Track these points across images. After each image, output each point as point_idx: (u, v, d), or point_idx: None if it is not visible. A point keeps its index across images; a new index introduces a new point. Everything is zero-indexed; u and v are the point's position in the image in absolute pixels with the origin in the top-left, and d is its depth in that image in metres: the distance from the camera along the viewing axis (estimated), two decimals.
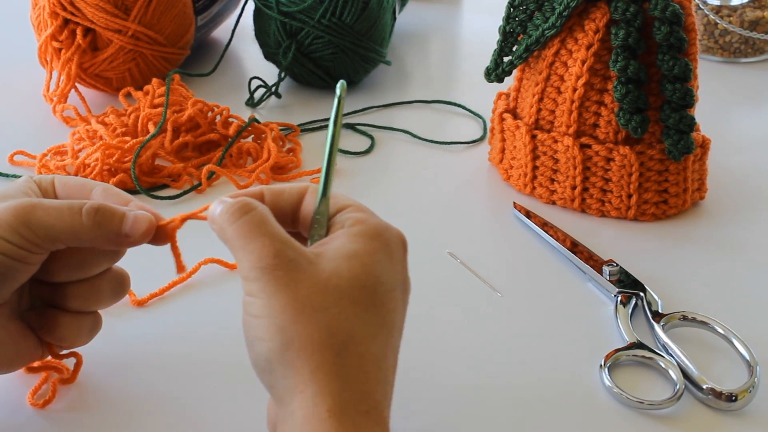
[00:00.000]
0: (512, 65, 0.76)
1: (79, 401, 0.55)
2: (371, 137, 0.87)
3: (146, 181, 0.78)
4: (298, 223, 0.50)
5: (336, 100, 0.49)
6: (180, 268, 0.53)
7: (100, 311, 0.55)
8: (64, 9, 0.88)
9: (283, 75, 0.93)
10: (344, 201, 0.49)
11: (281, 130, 0.86)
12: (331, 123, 0.49)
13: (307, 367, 0.42)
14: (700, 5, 0.99)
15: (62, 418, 0.54)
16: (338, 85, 0.49)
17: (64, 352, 0.55)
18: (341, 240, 0.46)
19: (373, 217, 0.48)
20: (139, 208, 0.52)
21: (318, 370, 0.42)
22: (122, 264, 0.55)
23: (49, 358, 0.55)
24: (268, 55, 0.96)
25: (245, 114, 0.89)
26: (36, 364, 0.55)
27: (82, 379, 0.56)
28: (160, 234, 0.51)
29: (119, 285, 0.55)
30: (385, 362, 0.45)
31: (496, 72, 0.77)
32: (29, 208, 0.48)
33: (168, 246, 0.52)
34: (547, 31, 0.72)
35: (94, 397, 0.56)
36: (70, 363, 0.56)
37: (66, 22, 0.89)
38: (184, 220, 0.51)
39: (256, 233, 0.45)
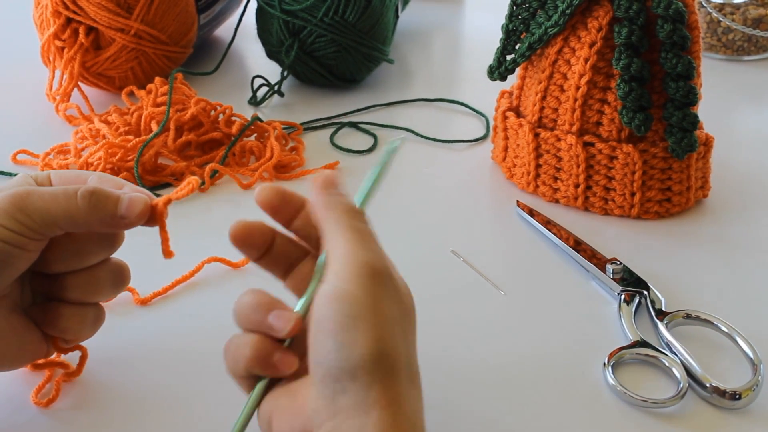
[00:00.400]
0: (515, 63, 0.76)
1: (83, 400, 0.55)
2: (374, 136, 0.87)
3: (149, 179, 0.78)
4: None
5: (388, 153, 0.49)
6: (167, 252, 0.52)
7: (103, 306, 0.55)
8: (67, 8, 0.88)
9: (285, 73, 0.93)
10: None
11: (284, 128, 0.86)
12: (375, 173, 0.49)
13: (395, 385, 0.42)
14: (703, 3, 0.99)
15: (66, 416, 0.54)
16: (396, 142, 0.49)
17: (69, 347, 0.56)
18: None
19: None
20: (133, 191, 0.52)
21: (403, 392, 0.42)
22: (125, 262, 0.55)
23: (55, 355, 0.55)
24: (271, 54, 0.96)
25: (248, 113, 0.89)
26: (41, 361, 0.55)
27: (86, 378, 0.56)
28: (153, 214, 0.51)
29: (119, 276, 0.54)
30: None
31: (499, 70, 0.77)
32: (24, 194, 0.48)
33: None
34: (550, 29, 0.72)
35: (98, 396, 0.56)
36: (74, 360, 0.56)
37: (69, 21, 0.89)
38: (167, 202, 0.51)
39: (375, 239, 0.46)
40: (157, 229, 0.52)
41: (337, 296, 0.42)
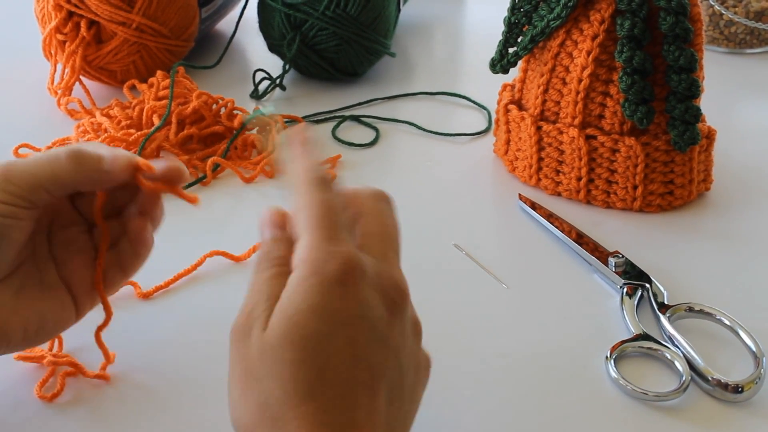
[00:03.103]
0: (517, 56, 0.76)
1: (85, 393, 0.55)
2: (376, 129, 0.87)
3: None
4: None
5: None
6: (191, 199, 0.53)
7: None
8: (69, 1, 0.88)
9: (287, 67, 0.93)
10: (299, 229, 0.44)
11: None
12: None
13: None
14: None
15: (68, 410, 0.54)
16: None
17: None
18: (283, 294, 0.43)
19: (314, 246, 0.42)
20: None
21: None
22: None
23: (59, 352, 0.56)
24: (273, 47, 0.96)
25: (250, 106, 0.89)
26: (50, 359, 0.56)
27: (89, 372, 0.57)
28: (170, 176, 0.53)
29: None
30: (342, 412, 0.40)
31: (501, 63, 0.77)
32: (6, 164, 0.49)
33: (171, 243, 0.53)
34: (552, 22, 0.72)
35: (100, 389, 0.56)
36: (78, 357, 0.57)
37: (70, 14, 0.89)
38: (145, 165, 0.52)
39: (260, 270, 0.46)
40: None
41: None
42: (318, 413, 0.39)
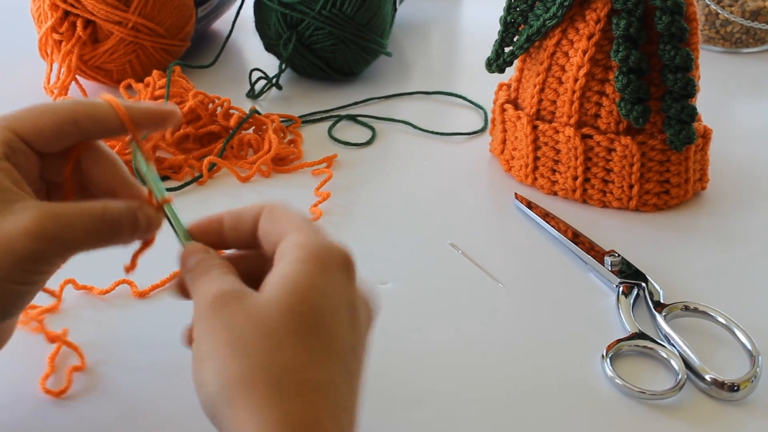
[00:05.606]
0: (513, 56, 0.76)
1: (81, 390, 0.55)
2: (372, 128, 0.87)
3: None
4: (258, 243, 0.49)
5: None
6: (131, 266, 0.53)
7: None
8: (65, 1, 0.88)
9: (283, 66, 0.93)
10: (286, 227, 0.47)
11: (282, 121, 0.86)
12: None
13: (247, 404, 0.41)
14: None
15: (62, 407, 0.54)
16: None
17: None
18: (280, 269, 0.45)
19: (314, 237, 0.46)
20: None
21: (258, 405, 0.41)
22: (126, 254, 0.55)
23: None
24: (269, 47, 0.96)
25: (246, 106, 0.89)
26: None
27: (87, 370, 0.57)
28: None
29: None
30: (334, 387, 0.43)
31: (497, 62, 0.77)
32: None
33: (167, 241, 0.52)
34: (548, 21, 0.72)
35: (96, 386, 0.56)
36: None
37: (66, 14, 0.88)
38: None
39: (202, 273, 0.46)
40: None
41: (192, 353, 0.44)
42: (322, 374, 0.43)
